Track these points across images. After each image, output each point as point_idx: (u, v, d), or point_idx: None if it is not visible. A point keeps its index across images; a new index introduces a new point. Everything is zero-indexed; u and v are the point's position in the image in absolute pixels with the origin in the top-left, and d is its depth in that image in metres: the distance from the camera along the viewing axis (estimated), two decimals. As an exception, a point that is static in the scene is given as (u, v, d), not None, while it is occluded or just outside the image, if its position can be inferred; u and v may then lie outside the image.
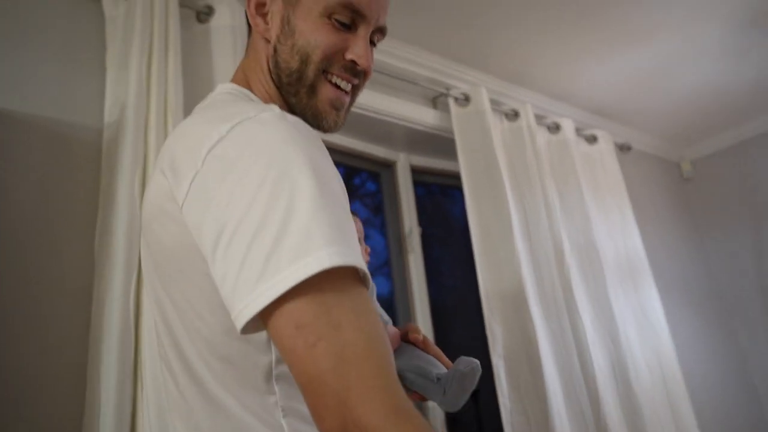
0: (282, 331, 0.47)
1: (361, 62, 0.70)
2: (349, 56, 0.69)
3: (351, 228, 0.52)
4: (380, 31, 0.73)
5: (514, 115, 2.16)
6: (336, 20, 0.67)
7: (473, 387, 0.74)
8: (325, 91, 0.70)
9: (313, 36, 0.67)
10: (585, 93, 2.49)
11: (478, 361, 0.75)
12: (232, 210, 0.50)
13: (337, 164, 2.05)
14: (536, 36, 2.04)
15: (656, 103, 2.68)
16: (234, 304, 0.49)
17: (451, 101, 2.04)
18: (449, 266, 2.35)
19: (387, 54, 1.97)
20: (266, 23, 0.71)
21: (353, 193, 2.23)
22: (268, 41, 0.71)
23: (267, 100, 0.72)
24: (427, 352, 0.77)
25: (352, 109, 0.76)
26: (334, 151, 2.01)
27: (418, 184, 2.25)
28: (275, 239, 0.48)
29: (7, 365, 1.01)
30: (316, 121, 0.71)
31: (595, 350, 1.93)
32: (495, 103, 2.16)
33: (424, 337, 0.78)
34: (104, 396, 0.97)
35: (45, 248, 1.13)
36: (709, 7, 1.99)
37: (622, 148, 2.78)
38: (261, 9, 0.72)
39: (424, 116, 2.04)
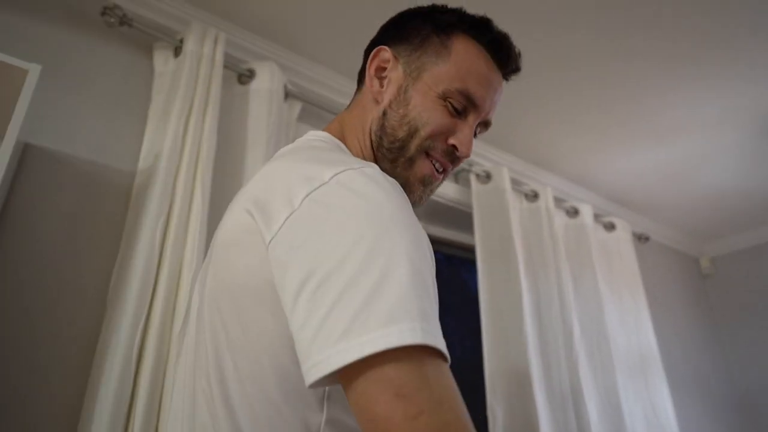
0: (375, 396, 0.43)
1: (462, 150, 0.72)
2: (451, 141, 0.72)
3: (436, 309, 0.51)
4: (485, 124, 0.77)
5: (533, 196, 2.19)
6: (451, 104, 0.71)
7: None
8: (422, 167, 0.72)
9: (427, 113, 0.70)
10: (606, 180, 2.52)
11: None
12: (324, 258, 0.49)
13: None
14: (560, 123, 2.09)
15: (677, 198, 2.70)
16: (311, 354, 0.46)
17: (472, 177, 2.08)
18: (460, 336, 2.32)
19: (414, 126, 2.03)
20: (381, 86, 0.74)
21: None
22: (377, 103, 0.73)
23: (359, 156, 0.72)
24: None
25: None
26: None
27: (436, 252, 2.26)
28: (366, 299, 0.45)
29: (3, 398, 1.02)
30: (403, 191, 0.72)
31: (599, 446, 1.85)
32: (516, 183, 2.19)
33: None
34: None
35: (64, 280, 1.16)
36: (732, 113, 2.03)
37: (641, 239, 2.77)
38: (380, 72, 0.75)
39: (444, 189, 2.08)
